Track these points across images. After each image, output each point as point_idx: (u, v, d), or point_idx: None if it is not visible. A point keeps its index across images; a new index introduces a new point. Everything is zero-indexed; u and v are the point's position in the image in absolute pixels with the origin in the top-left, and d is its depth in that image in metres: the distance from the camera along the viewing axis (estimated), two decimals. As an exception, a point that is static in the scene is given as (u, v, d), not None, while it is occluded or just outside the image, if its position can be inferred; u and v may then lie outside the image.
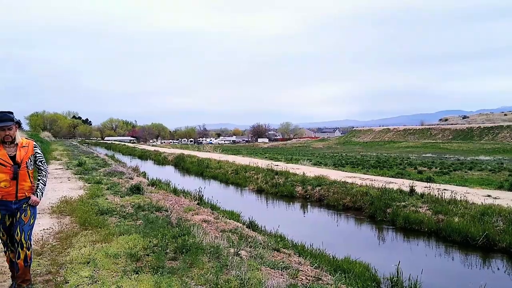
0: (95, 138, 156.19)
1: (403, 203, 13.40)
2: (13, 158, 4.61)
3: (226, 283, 5.20)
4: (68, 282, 5.15)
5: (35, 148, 4.89)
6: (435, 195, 13.52)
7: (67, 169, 20.77)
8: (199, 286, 5.12)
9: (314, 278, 6.26)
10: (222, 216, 11.32)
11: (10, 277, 5.01)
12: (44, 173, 4.98)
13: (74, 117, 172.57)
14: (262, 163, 27.98)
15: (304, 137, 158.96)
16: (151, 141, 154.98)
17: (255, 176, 22.58)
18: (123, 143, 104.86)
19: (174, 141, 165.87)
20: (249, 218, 11.88)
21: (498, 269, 9.20)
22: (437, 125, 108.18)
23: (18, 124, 4.72)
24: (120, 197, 12.06)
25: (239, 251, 6.93)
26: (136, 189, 13.07)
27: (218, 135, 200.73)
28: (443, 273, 9.06)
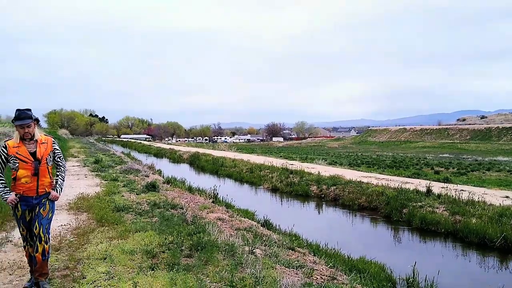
0: (112, 136, 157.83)
1: (419, 204, 13.26)
2: (33, 154, 4.68)
3: (241, 281, 5.21)
4: (85, 278, 5.22)
5: (53, 145, 4.96)
6: (452, 196, 13.36)
7: (84, 166, 21.04)
8: (214, 284, 5.14)
9: (329, 278, 6.24)
10: (237, 215, 11.35)
11: (29, 271, 5.09)
12: (62, 168, 5.06)
13: (91, 115, 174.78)
14: (277, 162, 27.95)
15: (319, 137, 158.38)
16: (166, 139, 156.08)
17: (270, 175, 22.56)
18: (138, 141, 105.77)
19: (189, 139, 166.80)
20: (263, 217, 11.88)
21: (517, 271, 9.05)
22: (455, 125, 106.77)
23: (37, 121, 4.77)
24: (136, 194, 12.17)
25: (254, 249, 6.94)
26: (152, 187, 13.17)
27: (233, 133, 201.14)
28: (460, 274, 8.95)
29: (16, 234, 7.08)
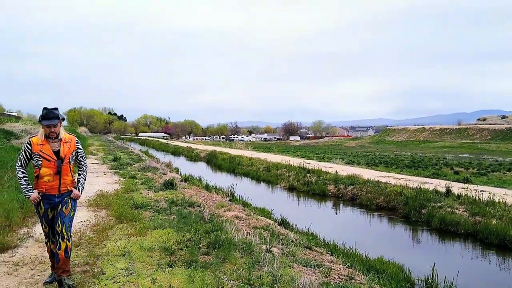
0: (130, 134, 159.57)
1: (438, 204, 13.08)
2: (56, 153, 4.71)
3: (259, 279, 5.21)
4: (105, 274, 5.28)
5: (77, 144, 4.99)
6: (472, 197, 13.15)
7: (103, 164, 21.31)
8: (232, 281, 5.15)
9: (347, 277, 6.19)
10: (254, 213, 11.36)
11: (50, 266, 5.17)
12: (84, 168, 5.10)
13: (109, 113, 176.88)
14: (294, 161, 27.89)
15: (337, 136, 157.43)
16: (183, 137, 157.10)
17: (287, 174, 22.51)
18: (156, 139, 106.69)
19: (206, 137, 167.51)
20: (280, 216, 11.86)
21: (539, 274, 8.86)
22: (475, 124, 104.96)
23: (63, 119, 4.80)
24: (154, 192, 12.27)
25: (271, 248, 6.94)
26: (170, 185, 13.27)
27: (250, 132, 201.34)
28: (480, 276, 8.81)
29: (38, 230, 7.20)
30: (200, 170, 29.66)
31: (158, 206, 9.90)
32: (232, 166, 30.45)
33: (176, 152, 54.69)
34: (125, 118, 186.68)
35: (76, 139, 5.05)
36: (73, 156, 4.90)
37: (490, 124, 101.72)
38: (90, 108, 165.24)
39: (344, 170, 22.36)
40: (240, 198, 14.82)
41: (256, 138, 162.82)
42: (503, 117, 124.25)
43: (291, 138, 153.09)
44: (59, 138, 4.77)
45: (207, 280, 5.08)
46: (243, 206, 12.64)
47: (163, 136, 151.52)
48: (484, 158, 42.64)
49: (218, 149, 46.80)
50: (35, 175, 4.73)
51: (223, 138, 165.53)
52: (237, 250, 6.42)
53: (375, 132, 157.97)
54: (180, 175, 20.40)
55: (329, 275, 6.10)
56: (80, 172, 5.07)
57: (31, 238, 6.96)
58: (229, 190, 15.16)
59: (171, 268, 5.48)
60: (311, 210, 15.69)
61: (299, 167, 23.16)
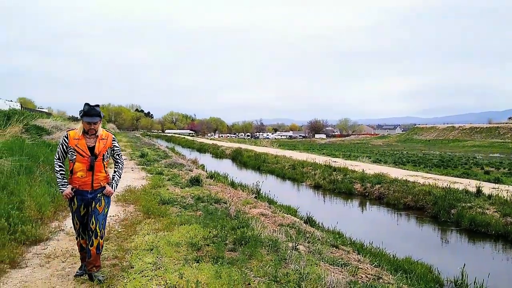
0: (156, 131, 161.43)
1: (469, 204, 12.79)
2: (91, 149, 4.74)
3: (285, 276, 5.20)
4: (133, 267, 5.37)
5: (113, 142, 5.03)
6: (504, 197, 12.80)
7: (131, 160, 21.65)
8: (258, 278, 5.16)
9: (374, 277, 6.11)
10: (280, 211, 11.33)
11: (80, 259, 5.26)
12: (120, 165, 5.15)
13: (137, 110, 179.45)
14: (320, 159, 27.70)
15: (363, 134, 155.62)
16: (209, 134, 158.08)
17: (313, 172, 22.38)
18: (182, 136, 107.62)
19: (231, 135, 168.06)
20: (306, 214, 11.79)
21: None
22: (506, 123, 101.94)
23: (102, 117, 4.84)
24: (181, 188, 12.40)
25: (297, 245, 6.92)
26: (196, 181, 13.39)
27: (275, 130, 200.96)
28: (511, 278, 8.57)
29: (68, 224, 7.37)
30: (226, 167, 29.80)
31: (184, 202, 10.00)
32: (257, 164, 30.48)
33: (201, 149, 55.08)
34: (151, 115, 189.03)
35: (113, 136, 5.08)
36: (108, 153, 4.92)
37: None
38: (118, 105, 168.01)
39: (370, 168, 22.07)
40: (266, 196, 14.82)
41: (281, 136, 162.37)
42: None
43: (317, 136, 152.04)
44: (96, 135, 4.80)
45: (234, 276, 5.10)
46: (269, 203, 12.63)
47: (188, 133, 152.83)
48: (516, 158, 41.39)
49: (243, 146, 46.94)
50: (69, 169, 4.77)
51: (248, 135, 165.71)
52: (263, 247, 6.42)
53: (402, 131, 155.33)
54: (206, 172, 20.52)
55: (356, 274, 6.03)
56: (116, 170, 5.10)
57: (62, 232, 7.13)
58: (254, 187, 15.18)
59: (198, 264, 5.52)
60: (337, 209, 15.57)
61: (325, 165, 22.99)
